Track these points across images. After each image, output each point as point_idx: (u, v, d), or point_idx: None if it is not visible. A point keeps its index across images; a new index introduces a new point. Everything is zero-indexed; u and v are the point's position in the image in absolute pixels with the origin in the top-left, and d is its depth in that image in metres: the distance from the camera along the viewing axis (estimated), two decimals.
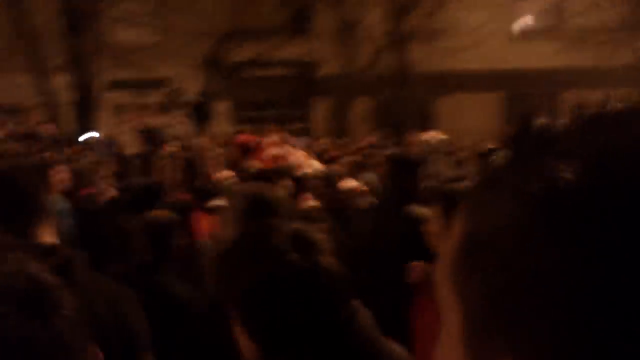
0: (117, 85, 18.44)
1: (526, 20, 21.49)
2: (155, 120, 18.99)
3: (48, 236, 2.03)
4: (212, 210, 4.73)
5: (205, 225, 4.72)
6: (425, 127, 14.30)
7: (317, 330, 1.41)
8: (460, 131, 15.71)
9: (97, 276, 2.17)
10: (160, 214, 3.72)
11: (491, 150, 10.31)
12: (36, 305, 1.25)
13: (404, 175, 4.43)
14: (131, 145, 14.21)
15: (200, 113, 18.43)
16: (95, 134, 13.89)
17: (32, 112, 17.76)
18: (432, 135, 10.80)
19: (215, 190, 5.27)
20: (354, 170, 6.80)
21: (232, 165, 7.94)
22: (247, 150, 8.88)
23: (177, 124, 16.67)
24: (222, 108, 19.04)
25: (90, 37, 17.00)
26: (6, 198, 2.00)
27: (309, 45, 19.09)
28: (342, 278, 1.46)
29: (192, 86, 18.91)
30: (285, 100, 19.80)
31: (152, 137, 12.52)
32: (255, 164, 6.73)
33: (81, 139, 13.47)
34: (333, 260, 1.45)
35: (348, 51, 19.36)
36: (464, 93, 19.54)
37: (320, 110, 19.89)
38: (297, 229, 1.47)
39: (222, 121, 18.53)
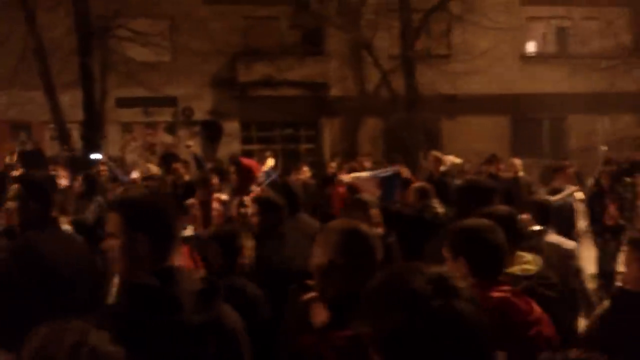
0: (126, 103, 18.35)
1: (533, 46, 21.74)
2: (163, 140, 18.98)
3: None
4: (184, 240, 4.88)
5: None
6: (432, 149, 14.35)
7: None
8: (466, 153, 15.82)
9: None
10: (227, 227, 4.03)
11: (491, 175, 10.43)
12: None
13: (477, 203, 4.40)
14: (136, 164, 14.12)
15: (210, 132, 18.39)
16: (99, 156, 13.70)
17: (41, 128, 17.65)
18: (450, 158, 10.85)
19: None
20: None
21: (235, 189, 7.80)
22: (249, 175, 8.61)
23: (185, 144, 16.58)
24: (231, 128, 19.02)
25: (100, 55, 16.97)
26: (158, 227, 2.13)
27: (320, 67, 19.17)
28: (484, 328, 1.41)
29: (201, 105, 18.89)
30: (295, 121, 19.81)
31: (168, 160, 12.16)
32: None
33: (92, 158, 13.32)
34: (475, 309, 1.40)
35: (358, 73, 19.50)
36: (471, 116, 19.68)
37: (329, 131, 19.94)
38: (440, 274, 1.43)
39: (231, 141, 18.50)
